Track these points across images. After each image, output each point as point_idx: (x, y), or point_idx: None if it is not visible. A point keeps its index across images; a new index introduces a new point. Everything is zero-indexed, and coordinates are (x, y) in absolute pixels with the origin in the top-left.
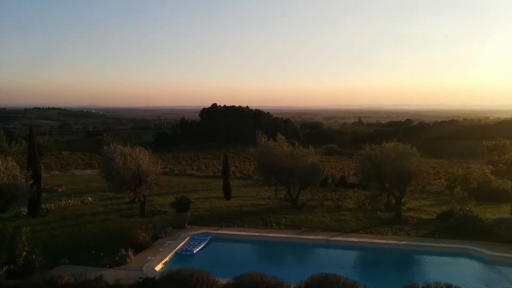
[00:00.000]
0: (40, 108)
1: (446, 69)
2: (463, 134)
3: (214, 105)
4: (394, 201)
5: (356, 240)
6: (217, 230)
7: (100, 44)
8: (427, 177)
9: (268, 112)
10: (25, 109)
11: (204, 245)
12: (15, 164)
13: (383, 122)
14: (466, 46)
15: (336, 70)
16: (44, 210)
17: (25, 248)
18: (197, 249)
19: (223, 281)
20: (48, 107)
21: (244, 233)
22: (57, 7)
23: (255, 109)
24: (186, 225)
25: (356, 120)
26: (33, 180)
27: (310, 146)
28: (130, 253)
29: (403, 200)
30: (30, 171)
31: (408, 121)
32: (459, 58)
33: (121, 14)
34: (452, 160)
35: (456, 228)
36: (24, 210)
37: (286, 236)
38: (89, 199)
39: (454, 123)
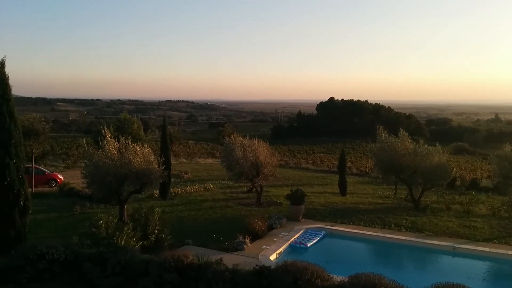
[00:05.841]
0: (171, 100)
1: None
2: None
3: (331, 99)
4: None
5: (488, 250)
6: (332, 226)
7: (227, 45)
8: None
9: (389, 107)
10: (159, 101)
11: (318, 240)
12: (150, 151)
13: None
14: None
15: (469, 61)
16: (172, 194)
17: (157, 227)
18: (311, 243)
19: (337, 278)
20: (178, 100)
21: (360, 232)
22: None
23: (375, 103)
24: (300, 218)
25: (492, 117)
26: (164, 166)
27: (437, 144)
28: (247, 240)
29: None
30: (162, 157)
31: None
32: None
33: (247, 14)
34: None
35: None
36: (156, 192)
37: (406, 239)
38: (211, 186)
39: None
